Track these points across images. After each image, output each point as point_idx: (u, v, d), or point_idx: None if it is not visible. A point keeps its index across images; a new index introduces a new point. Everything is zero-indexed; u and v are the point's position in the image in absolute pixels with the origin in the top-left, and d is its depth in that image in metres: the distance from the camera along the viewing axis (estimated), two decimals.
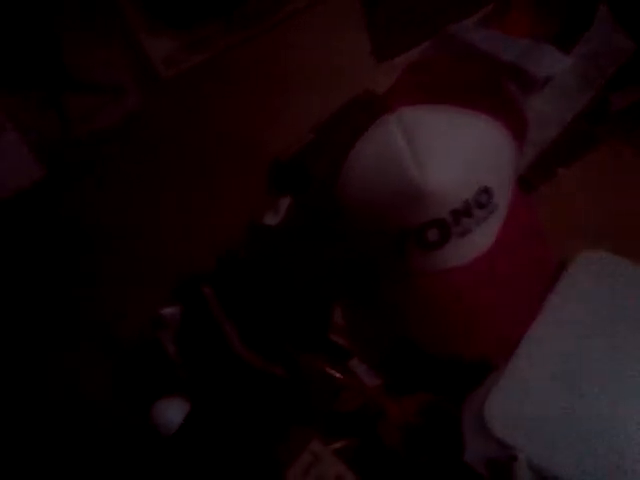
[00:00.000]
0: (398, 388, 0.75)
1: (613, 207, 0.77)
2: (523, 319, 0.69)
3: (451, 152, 0.64)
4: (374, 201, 0.67)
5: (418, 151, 0.64)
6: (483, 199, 0.67)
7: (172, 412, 0.71)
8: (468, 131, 0.66)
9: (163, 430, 0.70)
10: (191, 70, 0.79)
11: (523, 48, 0.82)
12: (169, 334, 0.85)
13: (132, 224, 0.86)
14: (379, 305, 0.76)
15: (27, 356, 0.84)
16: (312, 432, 0.73)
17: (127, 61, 0.76)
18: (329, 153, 0.80)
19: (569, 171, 0.85)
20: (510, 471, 0.60)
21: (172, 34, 0.76)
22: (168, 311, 0.86)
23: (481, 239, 0.69)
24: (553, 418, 0.62)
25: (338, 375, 0.74)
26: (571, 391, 0.63)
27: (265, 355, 0.78)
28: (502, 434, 0.62)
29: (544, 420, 0.63)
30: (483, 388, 0.66)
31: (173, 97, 0.80)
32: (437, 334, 0.69)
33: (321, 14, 0.83)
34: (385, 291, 0.74)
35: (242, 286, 0.86)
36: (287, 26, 0.82)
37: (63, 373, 0.84)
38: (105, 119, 0.77)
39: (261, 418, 0.72)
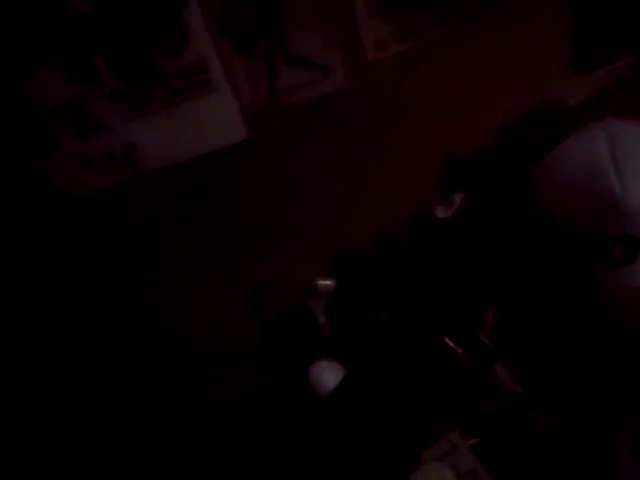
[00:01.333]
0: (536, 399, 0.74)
1: None
2: None
3: None
4: (568, 205, 0.67)
5: (621, 163, 0.63)
6: None
7: (328, 375, 0.75)
8: None
9: (319, 390, 0.74)
10: (397, 56, 0.82)
11: None
12: (321, 305, 0.90)
13: (309, 190, 0.90)
14: (536, 310, 0.76)
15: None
16: (452, 425, 0.75)
17: (340, 42, 0.80)
18: (517, 153, 0.81)
19: None
20: None
21: (389, 18, 0.80)
22: (323, 283, 0.90)
23: None
24: None
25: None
26: None
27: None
28: None
29: None
30: None
31: (376, 81, 0.84)
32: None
33: (529, 20, 0.84)
34: (558, 297, 0.73)
35: (398, 274, 0.88)
36: (497, 27, 0.83)
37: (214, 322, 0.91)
38: (309, 94, 0.82)
39: (411, 397, 0.74)
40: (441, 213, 0.87)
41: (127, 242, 0.87)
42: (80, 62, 0.75)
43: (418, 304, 0.86)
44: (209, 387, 0.93)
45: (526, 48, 0.87)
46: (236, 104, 0.82)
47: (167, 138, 0.82)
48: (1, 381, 0.84)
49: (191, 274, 0.92)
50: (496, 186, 0.79)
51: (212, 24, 0.76)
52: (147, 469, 0.91)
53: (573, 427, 0.71)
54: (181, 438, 0.92)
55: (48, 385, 0.87)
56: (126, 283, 0.88)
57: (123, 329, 0.89)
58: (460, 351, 0.77)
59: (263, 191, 0.88)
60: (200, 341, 0.95)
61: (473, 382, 0.79)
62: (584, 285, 0.72)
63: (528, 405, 0.77)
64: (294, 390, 0.79)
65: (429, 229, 0.89)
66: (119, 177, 0.83)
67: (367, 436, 0.75)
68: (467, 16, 0.83)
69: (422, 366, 0.79)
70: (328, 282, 0.92)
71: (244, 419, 0.88)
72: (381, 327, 0.84)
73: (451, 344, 0.79)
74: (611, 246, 0.68)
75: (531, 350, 0.77)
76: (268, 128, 0.84)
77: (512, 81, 0.88)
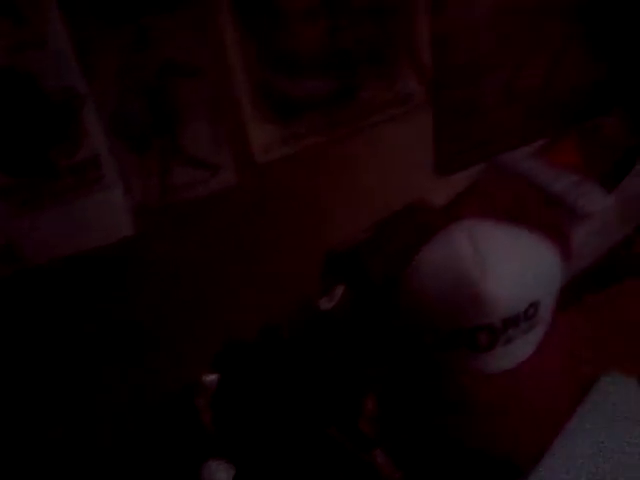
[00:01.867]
0: None
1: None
2: (554, 428, 0.75)
3: (511, 264, 0.73)
4: (436, 299, 0.75)
5: (482, 259, 0.72)
6: (530, 312, 0.75)
7: (220, 475, 0.76)
8: (526, 248, 0.75)
9: None
10: (283, 159, 0.89)
11: (571, 182, 0.92)
12: (205, 400, 0.91)
13: (189, 284, 0.93)
14: (417, 396, 0.83)
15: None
16: None
17: (230, 144, 0.86)
18: (387, 250, 0.89)
19: (594, 299, 0.93)
20: None
21: (274, 125, 0.87)
22: (208, 378, 0.92)
23: (524, 348, 0.76)
24: None
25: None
26: None
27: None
28: None
29: None
30: None
31: (263, 180, 0.90)
32: (474, 428, 0.75)
33: (397, 127, 0.94)
34: (430, 382, 0.80)
35: (281, 364, 0.92)
36: (370, 133, 0.93)
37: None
38: (199, 192, 0.87)
39: None
40: (324, 304, 0.93)
41: None
42: None
43: (299, 394, 0.89)
44: None
45: (394, 152, 0.98)
46: (126, 200, 0.84)
47: (54, 234, 0.82)
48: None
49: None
50: (369, 281, 0.87)
51: (106, 124, 0.80)
52: None
53: None
54: None
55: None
56: None
57: None
58: (341, 440, 0.82)
59: (149, 286, 0.91)
60: None
61: (356, 469, 0.83)
62: (453, 370, 0.79)
63: None
64: None
65: (311, 320, 0.95)
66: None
67: None
68: (338, 125, 0.92)
69: (307, 458, 0.82)
70: (213, 377, 0.94)
71: None
72: (265, 420, 0.87)
73: (333, 433, 0.83)
74: (475, 333, 0.76)
75: (409, 435, 0.82)
76: (157, 223, 0.87)
77: (385, 180, 0.98)
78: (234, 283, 0.94)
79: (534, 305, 0.75)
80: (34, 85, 0.75)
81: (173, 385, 0.93)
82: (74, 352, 0.88)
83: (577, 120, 1.05)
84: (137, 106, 0.80)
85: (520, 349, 0.77)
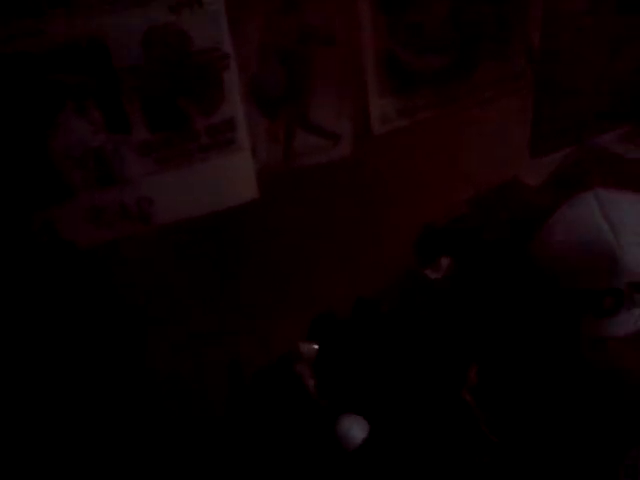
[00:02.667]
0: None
1: None
2: None
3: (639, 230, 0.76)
4: (569, 263, 0.78)
5: (616, 225, 0.75)
6: None
7: (355, 430, 0.78)
8: None
9: (347, 444, 0.76)
10: (399, 130, 0.92)
11: None
12: (306, 367, 0.93)
13: (289, 253, 0.95)
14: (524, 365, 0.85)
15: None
16: None
17: (351, 114, 0.89)
18: (497, 221, 0.93)
19: None
20: None
21: (393, 99, 0.90)
22: (305, 346, 0.94)
23: None
24: None
25: None
26: None
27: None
28: None
29: None
30: None
31: (379, 151, 0.93)
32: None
33: (501, 106, 0.98)
34: (552, 348, 0.83)
35: (380, 338, 0.94)
36: (474, 111, 0.97)
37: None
38: (319, 159, 0.89)
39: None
40: (432, 274, 0.95)
41: (127, 296, 0.86)
42: (116, 111, 0.76)
43: (403, 367, 0.91)
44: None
45: (495, 131, 1.01)
46: (253, 164, 0.86)
47: (183, 194, 0.83)
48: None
49: (182, 333, 0.92)
50: (484, 250, 0.89)
51: (245, 87, 0.81)
52: None
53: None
54: None
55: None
56: (125, 336, 0.86)
57: (122, 380, 0.85)
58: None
59: (262, 250, 0.92)
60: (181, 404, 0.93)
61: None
62: (575, 335, 0.82)
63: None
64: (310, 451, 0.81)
65: (420, 290, 0.97)
66: (127, 230, 0.83)
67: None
68: (451, 101, 0.95)
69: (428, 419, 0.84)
70: (311, 345, 0.95)
71: None
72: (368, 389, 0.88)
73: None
74: (602, 298, 0.79)
75: (515, 405, 0.85)
76: (278, 188, 0.89)
77: (482, 158, 1.02)
78: (341, 251, 0.97)
79: None
80: (185, 43, 0.77)
81: (266, 355, 0.94)
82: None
83: None
84: (275, 71, 0.82)
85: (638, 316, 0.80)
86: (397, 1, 0.85)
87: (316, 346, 0.94)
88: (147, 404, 0.88)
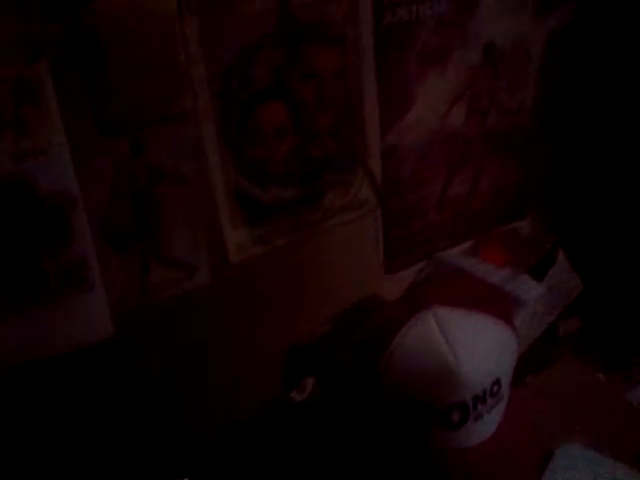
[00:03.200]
0: None
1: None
2: None
3: (477, 346, 0.82)
4: (413, 381, 0.82)
5: (452, 342, 0.81)
6: (495, 389, 0.84)
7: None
8: (488, 329, 0.84)
9: None
10: (254, 259, 0.97)
11: (506, 275, 1.06)
12: None
13: (154, 386, 0.95)
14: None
15: None
16: None
17: (206, 245, 0.92)
18: (353, 340, 0.97)
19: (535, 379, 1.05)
20: None
21: (247, 229, 0.95)
22: None
23: (490, 424, 0.84)
24: None
25: None
26: None
27: None
28: None
29: None
30: None
31: (238, 277, 0.97)
32: None
33: (352, 230, 1.05)
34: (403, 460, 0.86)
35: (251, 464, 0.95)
36: (325, 236, 1.03)
37: None
38: (176, 291, 0.91)
39: None
40: (297, 396, 0.97)
41: None
42: None
43: None
44: None
45: (349, 252, 1.08)
46: (107, 301, 0.87)
47: (36, 337, 0.83)
48: None
49: None
50: (338, 371, 0.93)
51: (94, 227, 0.83)
52: None
53: None
54: None
55: None
56: None
57: None
58: None
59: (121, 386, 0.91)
60: None
61: None
62: (425, 447, 0.86)
63: None
64: None
65: (285, 413, 0.98)
66: None
67: None
68: (303, 227, 1.02)
69: None
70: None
71: None
72: None
73: None
74: (449, 412, 0.84)
75: None
76: (135, 322, 0.89)
77: (341, 277, 1.08)
78: (212, 378, 0.97)
79: (498, 382, 0.84)
80: (29, 190, 0.78)
81: None
82: None
83: (499, 223, 1.21)
84: (126, 211, 0.85)
85: (487, 424, 0.85)
86: (241, 143, 0.91)
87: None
88: None
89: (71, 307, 0.84)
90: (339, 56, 0.95)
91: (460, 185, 1.16)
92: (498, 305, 0.94)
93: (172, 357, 0.94)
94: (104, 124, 0.81)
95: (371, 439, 0.90)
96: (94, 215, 0.83)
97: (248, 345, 1.01)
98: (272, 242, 0.98)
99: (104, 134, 0.81)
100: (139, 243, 0.88)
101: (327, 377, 0.99)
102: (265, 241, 0.98)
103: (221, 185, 0.92)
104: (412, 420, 0.85)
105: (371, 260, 1.12)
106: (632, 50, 1.14)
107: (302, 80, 0.93)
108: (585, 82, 1.21)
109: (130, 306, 0.89)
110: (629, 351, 1.13)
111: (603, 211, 1.23)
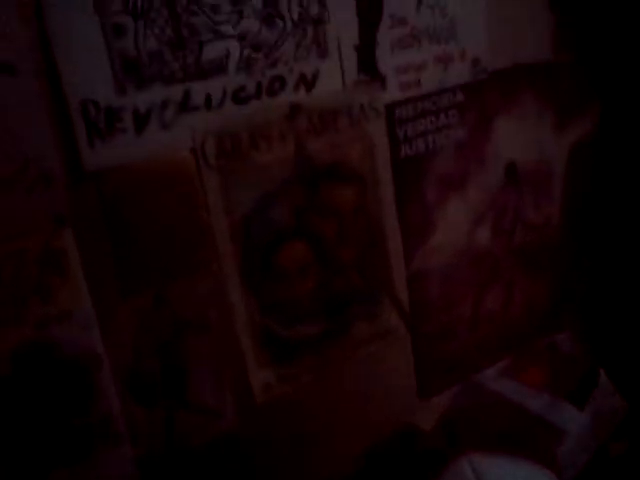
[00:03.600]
0: None
1: None
2: None
3: None
4: None
5: None
6: None
7: None
8: (525, 476, 0.81)
9: None
10: (280, 397, 0.95)
11: (546, 402, 1.01)
12: None
13: None
14: None
15: None
16: None
17: (231, 388, 0.92)
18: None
19: None
20: None
21: (273, 368, 0.94)
22: None
23: None
24: None
25: None
26: None
27: None
28: None
29: None
30: None
31: (263, 420, 0.95)
32: None
33: (381, 358, 1.03)
34: None
35: None
36: (354, 368, 1.01)
37: None
38: (203, 437, 0.89)
39: None
40: None
41: None
42: None
43: None
44: None
45: (380, 381, 1.05)
46: (133, 455, 0.86)
47: None
48: None
49: None
50: None
51: (120, 382, 0.83)
52: None
53: None
54: None
55: None
56: None
57: None
58: None
59: None
60: None
61: None
62: None
63: None
64: None
65: None
66: None
67: None
68: (330, 362, 1.00)
69: None
70: None
71: None
72: None
73: None
74: None
75: None
76: (162, 473, 0.88)
77: (374, 407, 1.04)
78: None
79: None
80: (54, 353, 0.79)
81: None
82: None
83: (534, 338, 1.17)
84: (151, 363, 0.85)
85: None
86: (264, 284, 0.91)
87: None
88: None
89: (97, 462, 0.83)
90: (358, 192, 0.95)
91: (491, 302, 1.13)
92: (538, 441, 0.90)
93: None
94: (127, 281, 0.82)
95: None
96: (119, 371, 0.83)
97: None
98: (299, 379, 0.97)
99: (127, 291, 0.82)
100: (164, 394, 0.87)
101: None
102: (292, 379, 0.96)
103: (245, 327, 0.92)
104: None
105: (403, 387, 1.09)
106: None
107: (322, 218, 0.94)
108: (614, 190, 1.19)
109: (157, 456, 0.88)
110: None
111: None
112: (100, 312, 0.81)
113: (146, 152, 0.78)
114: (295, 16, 0.82)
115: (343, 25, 0.87)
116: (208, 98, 0.80)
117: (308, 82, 0.86)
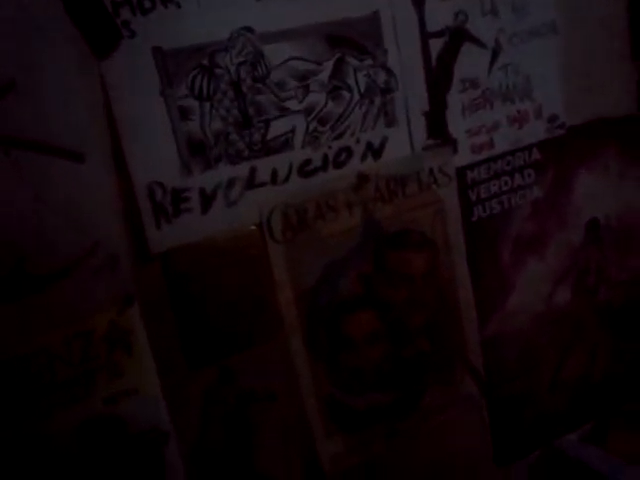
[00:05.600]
0: None
1: None
2: None
3: None
4: None
5: None
6: None
7: None
8: None
9: None
10: (351, 467, 0.92)
11: (632, 473, 0.94)
12: None
13: None
14: None
15: None
16: None
17: (298, 457, 0.90)
18: None
19: None
20: None
21: (342, 438, 0.91)
22: None
23: None
24: None
25: None
26: None
27: None
28: None
29: None
30: None
31: None
32: None
33: (455, 425, 0.98)
34: None
35: None
36: (426, 437, 0.97)
37: None
38: None
39: None
40: None
41: None
42: None
43: None
44: None
45: (454, 449, 1.00)
46: None
47: None
48: None
49: None
50: None
51: (187, 456, 0.83)
52: None
53: None
54: None
55: None
56: None
57: None
58: None
59: None
60: None
61: None
62: None
63: None
64: None
65: None
66: None
67: None
68: (402, 431, 0.96)
69: None
70: None
71: None
72: None
73: None
74: None
75: None
76: None
77: (449, 475, 1.00)
78: None
79: None
80: (121, 429, 0.79)
81: None
82: None
83: (623, 402, 1.10)
84: (215, 435, 0.84)
85: None
86: (330, 350, 0.89)
87: None
88: None
89: None
90: (428, 257, 0.92)
91: (575, 364, 1.07)
92: None
93: None
94: (192, 356, 0.81)
95: None
96: (185, 445, 0.83)
97: None
98: (369, 450, 0.93)
99: (193, 365, 0.82)
100: (231, 465, 0.86)
101: None
102: (361, 449, 0.93)
103: (313, 397, 0.89)
104: None
105: (480, 454, 1.03)
106: None
107: (391, 285, 0.91)
108: None
109: None
110: None
111: None
112: (167, 387, 0.81)
113: (212, 230, 0.78)
114: (362, 87, 0.80)
115: (411, 92, 0.84)
116: (274, 173, 0.79)
117: (375, 150, 0.84)
